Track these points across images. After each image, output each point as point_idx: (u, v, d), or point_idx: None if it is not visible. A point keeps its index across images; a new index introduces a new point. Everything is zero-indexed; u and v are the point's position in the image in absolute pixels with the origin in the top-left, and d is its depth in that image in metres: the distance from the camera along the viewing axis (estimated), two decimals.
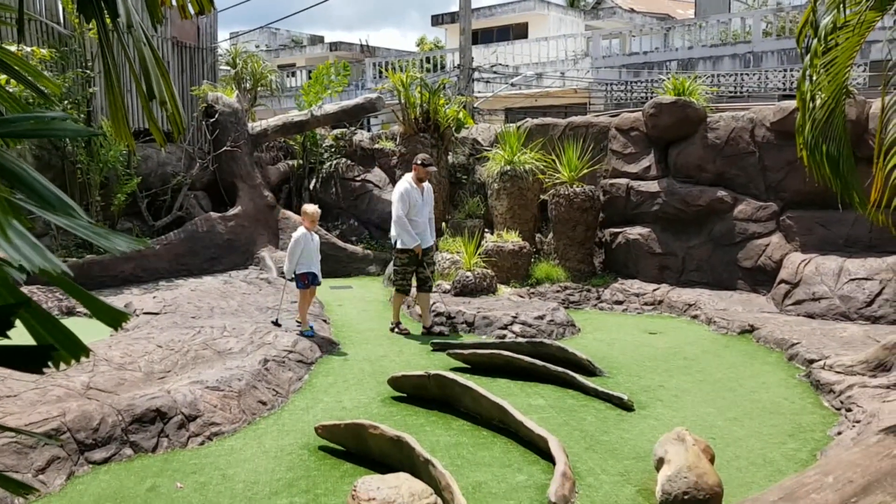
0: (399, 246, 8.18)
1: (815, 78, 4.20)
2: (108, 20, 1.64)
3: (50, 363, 1.03)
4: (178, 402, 5.30)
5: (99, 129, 11.28)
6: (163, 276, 11.27)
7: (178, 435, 5.13)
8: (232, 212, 12.71)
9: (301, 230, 7.81)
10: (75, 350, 1.09)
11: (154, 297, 9.49)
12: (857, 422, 5.21)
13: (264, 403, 5.85)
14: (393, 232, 8.24)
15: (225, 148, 13.10)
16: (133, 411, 5.08)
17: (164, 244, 11.66)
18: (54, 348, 1.03)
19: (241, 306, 9.09)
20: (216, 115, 13.22)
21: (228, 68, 16.51)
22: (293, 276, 7.77)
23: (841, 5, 3.65)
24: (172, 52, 13.57)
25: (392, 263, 8.58)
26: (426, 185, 8.31)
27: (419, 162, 8.27)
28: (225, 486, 4.47)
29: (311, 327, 7.78)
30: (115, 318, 1.17)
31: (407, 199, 8.07)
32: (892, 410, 4.83)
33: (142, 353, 6.55)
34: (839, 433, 5.22)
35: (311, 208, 7.98)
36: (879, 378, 5.81)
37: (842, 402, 5.73)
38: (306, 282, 7.75)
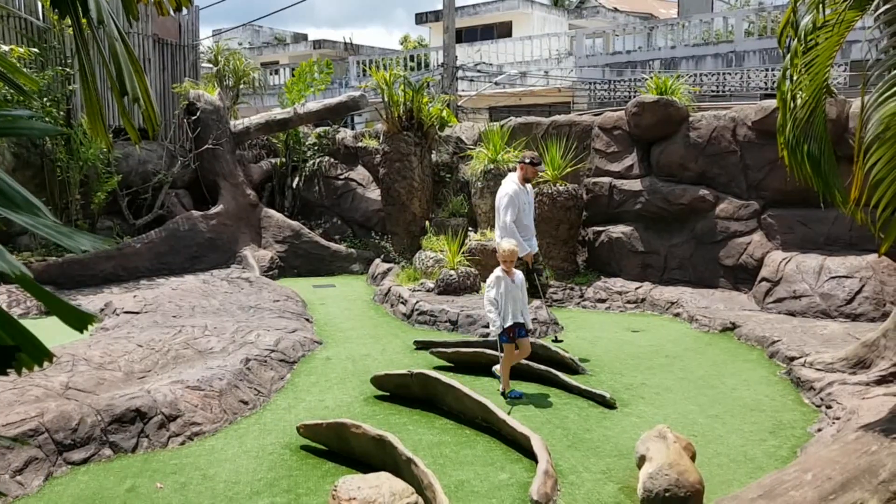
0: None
1: (795, 77, 4.23)
2: (83, 17, 1.61)
3: (12, 366, 1.00)
4: (159, 402, 5.26)
5: (79, 126, 11.17)
6: (143, 275, 11.18)
7: (158, 435, 5.09)
8: (214, 210, 12.63)
9: (498, 273, 6.22)
10: (37, 354, 1.06)
11: (134, 297, 9.41)
12: (837, 419, 5.25)
13: (246, 403, 5.82)
14: (498, 239, 7.23)
15: (207, 146, 13.01)
16: (113, 411, 5.03)
17: (144, 243, 11.56)
18: (17, 350, 1.01)
19: (222, 305, 9.03)
20: (198, 113, 13.13)
21: (210, 66, 16.40)
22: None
23: (820, 5, 3.68)
24: (154, 49, 13.45)
25: None
26: (529, 185, 7.62)
27: (528, 161, 7.45)
28: (205, 486, 4.44)
29: (514, 390, 6.17)
30: (80, 320, 1.15)
31: (516, 201, 7.24)
32: (871, 407, 4.88)
33: (122, 352, 6.49)
34: (819, 430, 5.26)
35: (507, 245, 6.30)
36: (859, 375, 5.86)
37: (822, 400, 5.78)
38: (511, 335, 6.11)
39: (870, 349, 5.98)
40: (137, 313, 8.61)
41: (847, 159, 5.20)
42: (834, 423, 5.23)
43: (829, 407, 5.58)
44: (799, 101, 4.25)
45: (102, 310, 8.91)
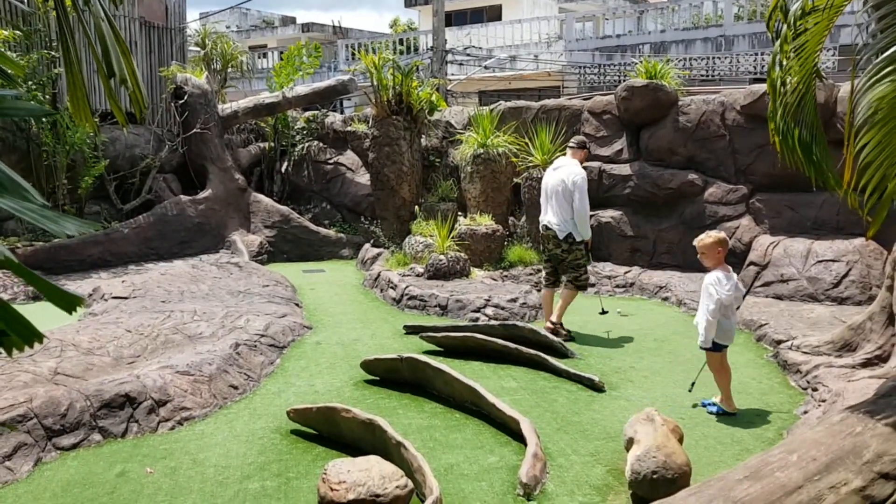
0: (579, 239, 7.40)
1: (785, 63, 4.23)
2: None
3: (1, 348, 1.00)
4: (148, 387, 5.25)
5: (65, 110, 11.07)
6: (132, 260, 11.13)
7: (147, 420, 5.09)
8: (202, 195, 12.57)
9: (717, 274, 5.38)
10: (27, 335, 1.06)
11: (123, 282, 9.36)
12: (823, 401, 5.30)
13: (236, 388, 5.82)
14: (576, 224, 7.32)
15: (195, 130, 12.91)
16: (102, 396, 5.02)
17: (132, 228, 11.50)
18: (5, 333, 1.00)
19: (211, 290, 9.01)
20: (185, 97, 13.02)
21: (198, 49, 16.27)
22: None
23: None
24: (140, 32, 13.32)
25: (573, 259, 7.45)
26: None
27: (588, 146, 7.78)
28: (195, 470, 4.44)
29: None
30: (69, 303, 1.15)
31: (587, 187, 7.40)
32: (856, 390, 4.92)
33: (111, 337, 6.47)
34: (805, 412, 5.32)
35: (712, 236, 5.47)
36: (845, 358, 5.92)
37: (808, 382, 5.84)
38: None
39: (856, 332, 6.04)
40: (126, 298, 8.58)
41: (835, 143, 5.22)
42: (820, 405, 5.29)
43: (815, 389, 5.64)
44: (789, 87, 4.26)
45: (91, 295, 8.87)
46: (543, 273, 8.00)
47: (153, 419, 5.11)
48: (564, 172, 7.40)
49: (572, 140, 7.86)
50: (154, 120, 13.17)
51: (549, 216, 7.49)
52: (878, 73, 3.28)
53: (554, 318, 7.46)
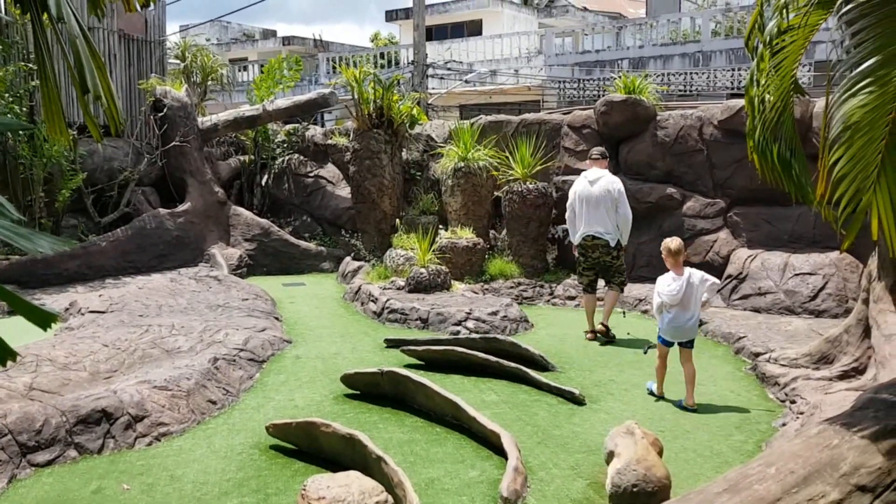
0: (623, 244, 7.98)
1: (763, 81, 4.29)
2: (43, 13, 1.58)
3: None
4: (125, 403, 5.19)
5: (42, 123, 10.96)
6: (109, 274, 11.01)
7: (124, 436, 5.02)
8: (181, 208, 12.48)
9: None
10: (1, 354, 1.04)
11: (100, 296, 9.26)
12: (801, 413, 5.34)
13: (214, 403, 5.76)
14: (622, 231, 7.84)
15: (174, 143, 12.84)
16: (78, 412, 4.95)
17: (110, 241, 11.40)
18: None
19: (190, 304, 8.93)
20: (164, 110, 12.95)
21: (178, 62, 16.21)
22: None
23: (784, 10, 3.74)
24: (119, 45, 13.25)
25: (620, 263, 8.03)
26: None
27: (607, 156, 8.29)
28: (173, 486, 4.39)
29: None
30: (44, 319, 1.13)
31: None
32: (833, 402, 4.97)
33: (87, 352, 6.39)
34: (784, 425, 5.35)
35: (674, 243, 5.92)
36: (822, 370, 5.97)
37: (786, 395, 5.88)
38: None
39: (832, 345, 6.09)
40: (103, 312, 8.48)
41: (812, 157, 5.29)
42: (798, 417, 5.33)
43: (793, 402, 5.68)
44: (767, 104, 4.32)
45: (67, 309, 8.76)
46: (585, 281, 8.20)
47: (130, 435, 5.05)
48: (606, 182, 7.74)
49: (595, 152, 8.21)
50: (133, 133, 13.09)
51: (595, 226, 7.80)
52: (851, 88, 3.33)
53: (605, 321, 7.96)
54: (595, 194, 7.74)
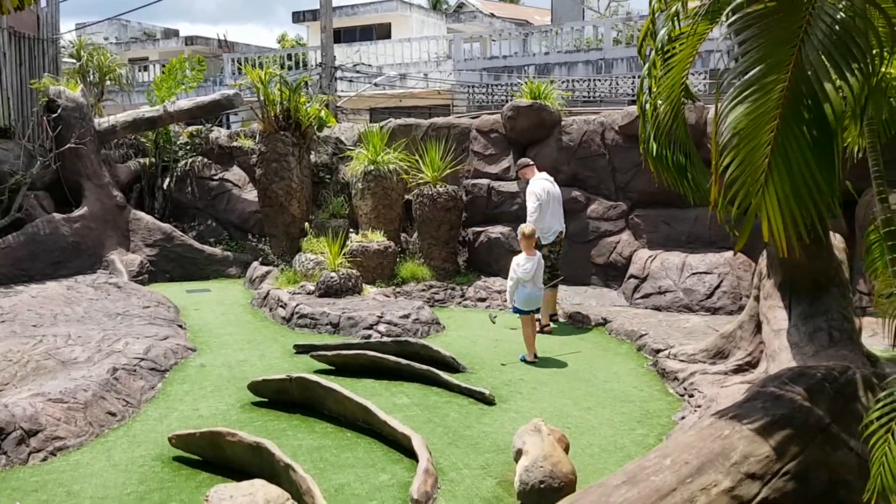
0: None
1: (653, 89, 4.46)
2: None
3: None
4: (17, 417, 4.94)
5: None
6: (0, 283, 10.42)
7: (17, 451, 4.79)
8: (77, 213, 11.94)
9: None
10: None
11: None
12: (699, 406, 5.59)
13: (114, 414, 5.55)
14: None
15: (69, 145, 12.25)
16: None
17: (1, 248, 10.80)
18: None
19: (87, 313, 8.55)
20: (59, 111, 12.34)
21: (73, 61, 15.50)
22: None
23: (675, 18, 3.92)
24: (9, 43, 12.54)
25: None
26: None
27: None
28: (70, 502, 4.20)
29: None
30: None
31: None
32: (728, 395, 5.21)
33: None
34: (683, 418, 5.58)
35: (528, 229, 7.35)
36: (718, 365, 6.26)
37: (685, 389, 6.13)
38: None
39: (727, 340, 6.40)
40: None
41: (706, 162, 5.54)
42: (696, 410, 5.57)
43: (691, 396, 5.93)
44: (661, 109, 4.49)
45: None
46: (548, 276, 8.18)
47: (23, 450, 4.81)
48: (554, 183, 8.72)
49: (528, 160, 9.31)
50: (25, 134, 12.41)
51: (562, 223, 8.68)
52: (738, 96, 3.50)
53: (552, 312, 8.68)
54: (556, 194, 8.65)
